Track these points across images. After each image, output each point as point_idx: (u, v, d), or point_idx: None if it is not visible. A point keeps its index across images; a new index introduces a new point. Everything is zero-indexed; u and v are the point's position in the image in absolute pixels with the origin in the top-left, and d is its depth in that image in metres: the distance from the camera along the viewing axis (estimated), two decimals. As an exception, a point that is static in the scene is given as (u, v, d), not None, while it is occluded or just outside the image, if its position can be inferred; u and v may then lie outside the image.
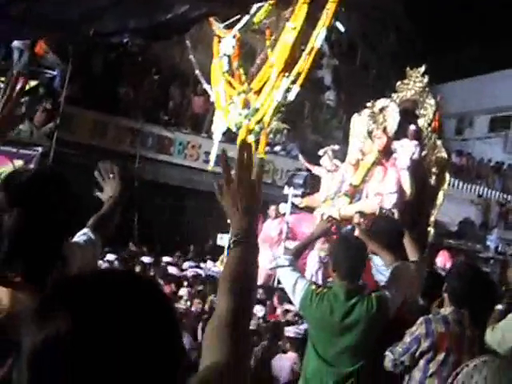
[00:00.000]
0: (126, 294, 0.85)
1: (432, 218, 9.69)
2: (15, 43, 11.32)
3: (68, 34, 4.47)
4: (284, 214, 9.84)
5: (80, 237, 1.99)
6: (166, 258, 9.65)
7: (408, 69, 9.96)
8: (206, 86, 11.61)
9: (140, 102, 13.04)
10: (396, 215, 8.29)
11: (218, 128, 11.37)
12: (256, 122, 9.75)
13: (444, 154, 9.82)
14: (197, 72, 11.63)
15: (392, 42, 11.24)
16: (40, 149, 11.24)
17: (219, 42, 11.13)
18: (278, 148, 14.00)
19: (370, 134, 9.48)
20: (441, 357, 2.89)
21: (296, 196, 9.76)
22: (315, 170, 10.09)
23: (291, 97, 9.60)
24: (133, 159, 12.41)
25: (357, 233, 3.81)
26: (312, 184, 10.08)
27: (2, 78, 11.23)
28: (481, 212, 17.54)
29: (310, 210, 9.74)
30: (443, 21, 16.01)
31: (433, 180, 9.49)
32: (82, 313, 0.81)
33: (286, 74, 9.53)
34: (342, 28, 9.56)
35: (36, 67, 11.78)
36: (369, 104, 9.75)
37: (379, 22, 10.50)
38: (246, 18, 10.41)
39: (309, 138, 13.38)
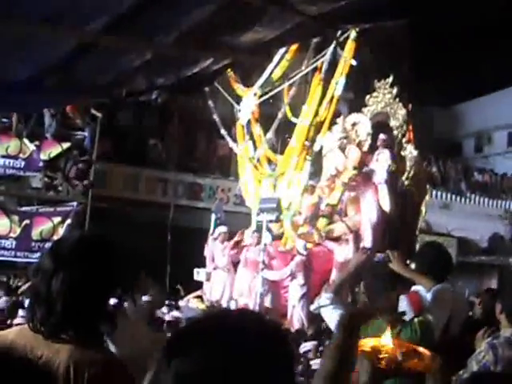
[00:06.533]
0: (256, 333, 0.93)
1: (417, 229, 9.45)
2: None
3: (100, 98, 4.72)
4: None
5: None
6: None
7: (376, 81, 9.75)
8: (223, 131, 11.85)
9: (168, 152, 13.47)
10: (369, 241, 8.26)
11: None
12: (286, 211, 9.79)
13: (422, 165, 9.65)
14: (214, 117, 11.86)
15: (404, 70, 11.06)
16: (75, 204, 11.81)
17: (243, 127, 11.35)
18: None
19: (343, 150, 9.29)
20: None
21: (271, 221, 9.37)
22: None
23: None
24: (165, 208, 12.69)
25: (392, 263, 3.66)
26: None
27: (37, 142, 11.92)
28: (510, 226, 17.42)
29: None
30: (455, 41, 16.25)
31: (414, 191, 9.24)
32: (216, 350, 0.89)
33: (308, 157, 9.69)
34: (353, 62, 9.69)
35: (67, 130, 12.35)
36: (339, 120, 9.55)
37: (390, 52, 10.49)
38: (265, 75, 10.66)
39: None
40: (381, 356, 1.94)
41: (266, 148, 11.09)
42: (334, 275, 8.66)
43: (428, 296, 3.46)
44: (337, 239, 9.18)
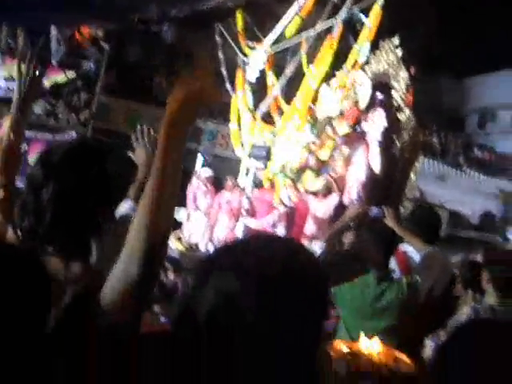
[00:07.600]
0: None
1: (404, 194, 9.05)
2: (53, 33, 11.67)
3: (112, 22, 4.68)
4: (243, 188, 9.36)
5: (124, 207, 1.95)
6: None
7: (381, 40, 9.30)
8: (228, 86, 11.59)
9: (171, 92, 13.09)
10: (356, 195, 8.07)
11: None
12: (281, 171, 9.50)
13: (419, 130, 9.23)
14: (222, 70, 11.46)
15: (420, 36, 10.76)
16: (74, 134, 11.73)
17: (244, 71, 10.90)
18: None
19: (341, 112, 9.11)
20: None
21: (258, 169, 9.21)
22: None
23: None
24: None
25: (387, 218, 3.76)
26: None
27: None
28: (503, 206, 17.38)
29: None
30: (468, 14, 15.94)
31: (406, 154, 8.91)
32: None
33: (309, 119, 9.40)
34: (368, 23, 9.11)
35: (73, 58, 12.06)
36: (338, 73, 9.30)
37: (407, 17, 9.97)
38: (278, 29, 10.19)
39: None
40: (359, 360, 1.96)
41: (277, 97, 10.66)
42: (310, 229, 8.42)
43: (417, 257, 3.57)
44: (317, 194, 8.96)
